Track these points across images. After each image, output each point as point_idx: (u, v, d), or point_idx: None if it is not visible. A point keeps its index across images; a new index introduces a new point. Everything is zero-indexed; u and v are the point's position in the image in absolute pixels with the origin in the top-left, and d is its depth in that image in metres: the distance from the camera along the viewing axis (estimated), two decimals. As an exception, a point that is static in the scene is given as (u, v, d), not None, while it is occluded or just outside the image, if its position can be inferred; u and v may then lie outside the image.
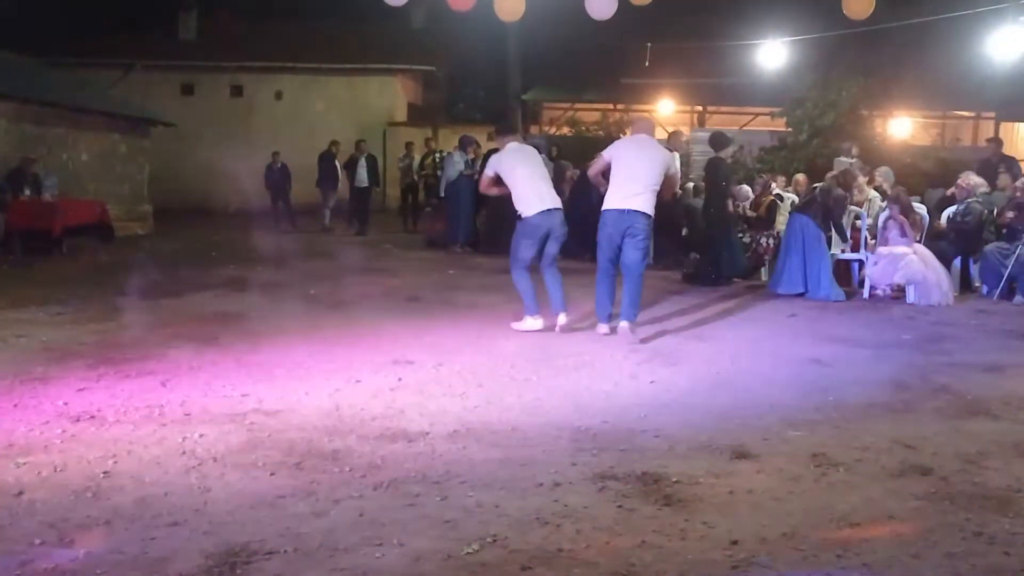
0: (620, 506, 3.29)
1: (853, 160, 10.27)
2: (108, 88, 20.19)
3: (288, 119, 22.37)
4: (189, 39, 23.95)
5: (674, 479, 3.56)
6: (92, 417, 4.29)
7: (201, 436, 4.02)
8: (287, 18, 23.87)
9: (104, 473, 3.53)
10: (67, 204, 11.97)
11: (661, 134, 21.96)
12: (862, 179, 9.77)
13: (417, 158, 16.69)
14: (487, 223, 12.59)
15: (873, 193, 9.90)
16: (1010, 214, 8.95)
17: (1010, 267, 8.62)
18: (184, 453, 3.79)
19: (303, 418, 4.35)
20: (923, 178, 13.71)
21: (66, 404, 4.49)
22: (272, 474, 3.57)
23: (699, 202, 11.83)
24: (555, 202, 6.86)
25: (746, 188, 11.67)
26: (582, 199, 12.22)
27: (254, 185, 18.41)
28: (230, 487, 3.41)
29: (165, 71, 22.67)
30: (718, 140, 10.00)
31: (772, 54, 12.47)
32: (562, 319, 6.74)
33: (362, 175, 16.20)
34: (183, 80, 23.02)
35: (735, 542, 2.99)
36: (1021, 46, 11.00)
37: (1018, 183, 9.47)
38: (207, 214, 19.39)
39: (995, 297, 8.78)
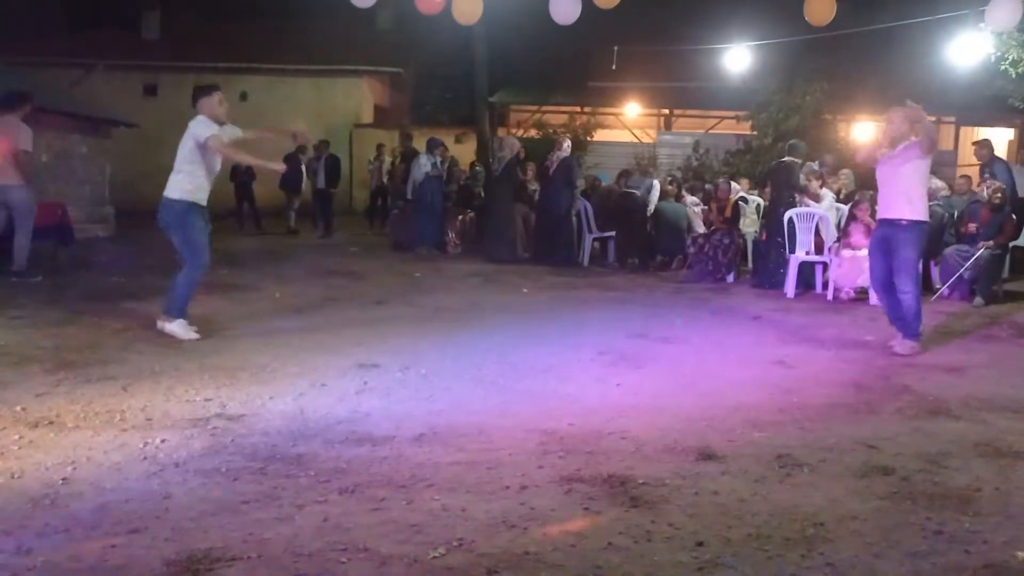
0: (587, 508, 3.29)
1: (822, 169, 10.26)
2: (69, 88, 19.88)
3: (253, 120, 22.04)
4: (152, 39, 23.66)
5: (640, 481, 3.57)
6: (51, 423, 4.21)
7: (163, 441, 3.96)
8: (252, 18, 23.68)
9: (63, 480, 3.46)
10: (26, 206, 11.72)
11: (628, 136, 22.15)
12: (815, 183, 9.87)
13: (388, 160, 16.61)
14: (484, 224, 12.44)
15: (828, 194, 9.99)
16: (972, 225, 9.09)
17: (970, 269, 8.77)
18: (145, 459, 3.73)
19: (267, 422, 4.30)
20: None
21: (24, 410, 4.40)
22: (235, 479, 3.52)
23: (668, 204, 11.95)
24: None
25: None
26: (549, 203, 12.19)
27: (218, 186, 18.19)
28: (192, 493, 3.37)
29: (128, 71, 22.37)
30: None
31: (738, 58, 12.59)
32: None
33: (321, 177, 16.07)
34: (146, 80, 22.73)
35: (701, 543, 3.00)
36: (980, 52, 11.21)
37: (979, 187, 9.62)
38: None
39: (954, 298, 8.94)
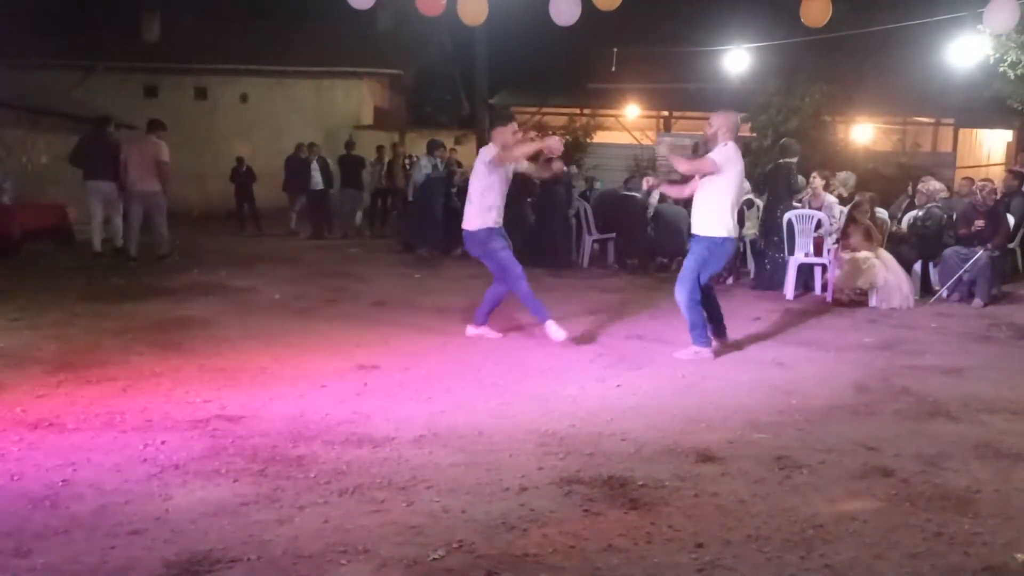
0: (586, 510, 3.30)
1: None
2: (69, 90, 19.89)
3: (253, 122, 22.17)
4: (152, 41, 23.67)
5: (640, 483, 3.57)
6: (51, 424, 4.21)
7: (163, 443, 3.96)
8: (252, 20, 23.67)
9: (63, 481, 3.47)
10: (25, 208, 11.77)
11: (628, 138, 22.11)
12: (819, 182, 9.87)
13: (387, 161, 16.64)
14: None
15: (831, 198, 10.00)
16: (980, 223, 9.03)
17: (969, 271, 8.77)
18: (145, 460, 3.74)
19: (267, 424, 4.30)
20: (885, 183, 13.91)
21: (24, 411, 4.40)
22: (235, 481, 3.52)
23: (668, 206, 11.94)
24: None
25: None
26: (548, 211, 12.03)
27: (219, 188, 18.22)
28: (192, 495, 3.37)
29: (128, 73, 22.38)
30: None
31: (737, 60, 12.59)
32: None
33: (316, 178, 16.05)
34: (146, 82, 22.73)
35: (700, 545, 3.00)
36: (979, 54, 11.22)
37: (985, 190, 9.58)
38: (171, 217, 19.05)
39: (953, 300, 8.94)
